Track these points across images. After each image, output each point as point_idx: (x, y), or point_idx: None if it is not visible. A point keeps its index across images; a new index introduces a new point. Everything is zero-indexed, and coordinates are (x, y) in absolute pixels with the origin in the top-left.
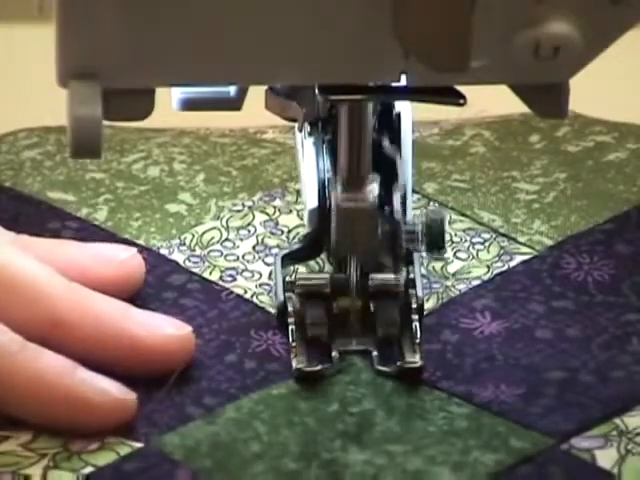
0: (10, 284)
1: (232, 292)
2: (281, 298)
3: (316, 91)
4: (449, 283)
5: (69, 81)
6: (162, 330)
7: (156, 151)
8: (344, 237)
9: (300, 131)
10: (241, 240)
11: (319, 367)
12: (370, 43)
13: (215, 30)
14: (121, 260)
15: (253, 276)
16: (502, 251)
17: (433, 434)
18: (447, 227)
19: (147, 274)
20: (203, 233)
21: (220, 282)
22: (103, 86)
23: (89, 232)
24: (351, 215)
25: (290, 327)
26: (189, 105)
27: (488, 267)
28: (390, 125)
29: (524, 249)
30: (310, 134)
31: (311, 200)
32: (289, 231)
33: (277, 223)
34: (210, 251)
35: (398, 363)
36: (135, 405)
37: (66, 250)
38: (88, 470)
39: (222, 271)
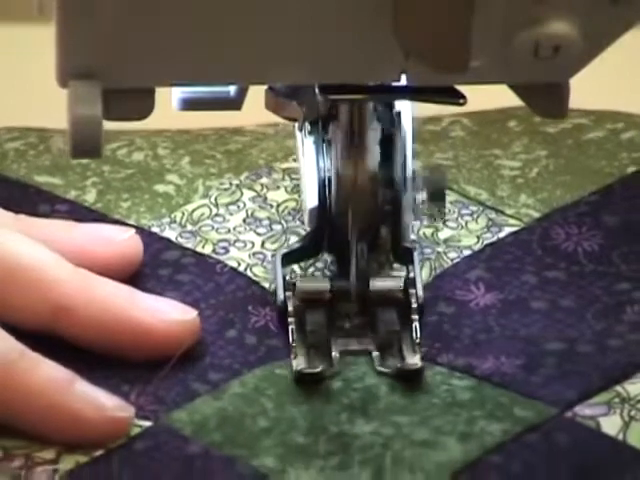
0: (15, 269)
1: (226, 265)
2: (281, 298)
3: (316, 91)
4: (440, 249)
5: (69, 81)
6: (167, 315)
7: (139, 140)
8: (344, 204)
9: (300, 131)
10: (231, 215)
11: (319, 369)
12: (370, 43)
13: (215, 30)
14: (120, 241)
15: (245, 246)
16: (490, 223)
17: (437, 406)
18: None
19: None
20: (193, 211)
21: (213, 255)
22: (103, 86)
23: (80, 214)
24: (351, 181)
25: (290, 327)
26: (189, 105)
27: (478, 237)
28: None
29: (512, 221)
30: (310, 133)
31: (311, 199)
32: (278, 205)
33: (266, 198)
34: (201, 226)
35: (398, 365)
36: (131, 422)
37: (65, 231)
38: (99, 452)
39: (214, 244)
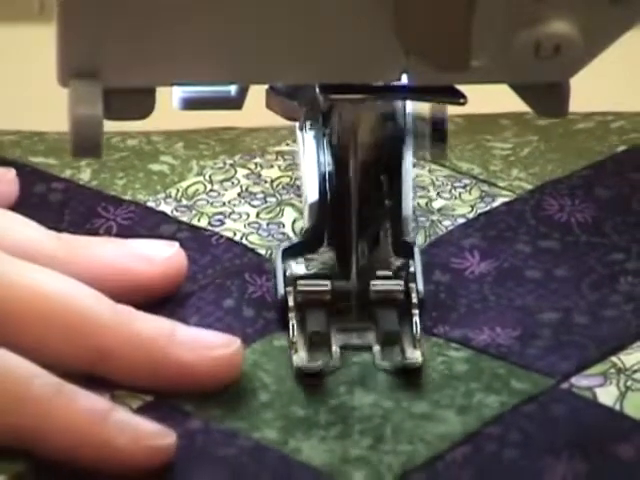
0: (54, 313)
1: (222, 236)
2: (282, 292)
3: (317, 90)
4: (435, 218)
5: (70, 80)
6: (210, 352)
7: (132, 132)
8: (346, 135)
9: (301, 130)
10: (225, 190)
11: (319, 364)
12: (371, 42)
13: (216, 29)
14: (164, 259)
15: (241, 217)
16: (484, 194)
17: (435, 379)
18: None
19: (137, 227)
20: (187, 187)
21: (209, 227)
22: (104, 85)
23: (75, 192)
24: (354, 117)
25: (290, 322)
26: (190, 104)
27: (471, 207)
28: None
29: (505, 192)
30: (311, 128)
31: (312, 193)
32: (272, 181)
33: (260, 175)
34: (196, 201)
35: (399, 359)
36: (171, 449)
37: (109, 250)
38: None
39: (210, 217)
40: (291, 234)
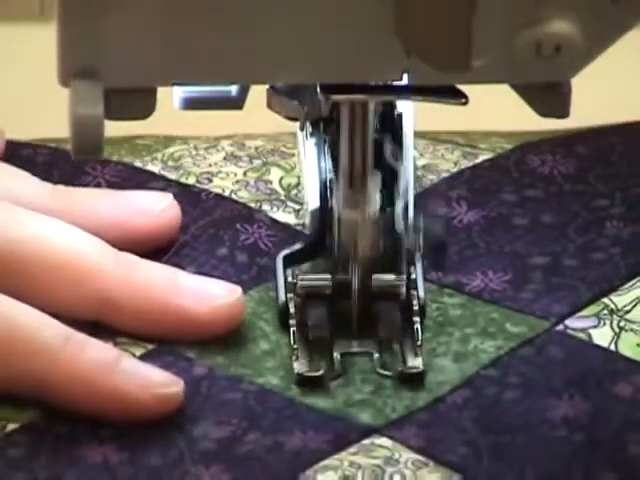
0: (56, 262)
1: (211, 192)
2: (283, 299)
3: (318, 90)
4: (419, 173)
5: (70, 80)
6: (212, 300)
7: None
8: (346, 247)
9: (302, 130)
10: (211, 155)
11: (320, 372)
12: (372, 42)
13: (216, 29)
14: (160, 210)
15: (228, 176)
16: (466, 153)
17: (430, 327)
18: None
19: (125, 184)
20: (173, 152)
21: (197, 184)
22: (105, 85)
23: (62, 154)
24: (352, 226)
25: (291, 329)
26: (190, 104)
27: (455, 163)
28: (391, 126)
29: (486, 152)
30: (312, 134)
31: (313, 201)
32: (257, 148)
33: (243, 144)
34: (182, 163)
35: (399, 367)
36: (179, 397)
37: (105, 201)
38: None
39: (197, 176)
40: (279, 190)
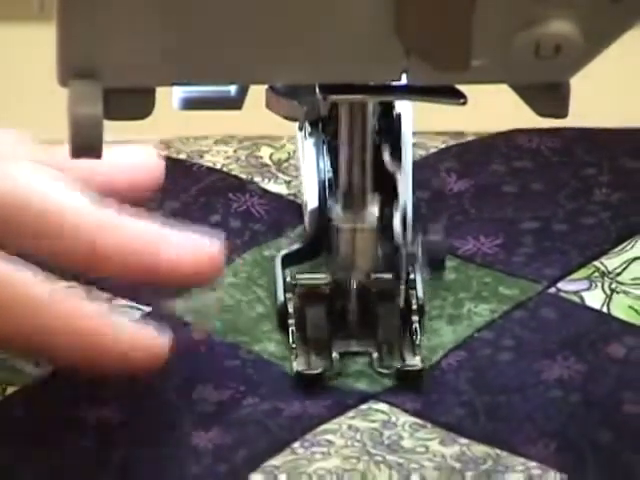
0: (45, 215)
1: (202, 165)
2: (281, 299)
3: (317, 90)
4: None
5: (70, 80)
6: (194, 254)
7: None
8: (344, 257)
9: (301, 130)
10: (201, 140)
11: (319, 370)
12: (371, 42)
13: (216, 29)
14: (142, 162)
15: (219, 153)
16: (453, 135)
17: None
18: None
19: None
20: (162, 138)
21: (189, 160)
22: (104, 85)
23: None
24: (351, 236)
25: (290, 328)
26: (190, 104)
27: (443, 141)
28: (390, 129)
29: (473, 136)
30: (311, 134)
31: (311, 201)
32: (245, 136)
33: (233, 136)
34: (173, 142)
35: (398, 366)
36: (166, 351)
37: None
38: None
39: (188, 153)
40: (270, 163)
